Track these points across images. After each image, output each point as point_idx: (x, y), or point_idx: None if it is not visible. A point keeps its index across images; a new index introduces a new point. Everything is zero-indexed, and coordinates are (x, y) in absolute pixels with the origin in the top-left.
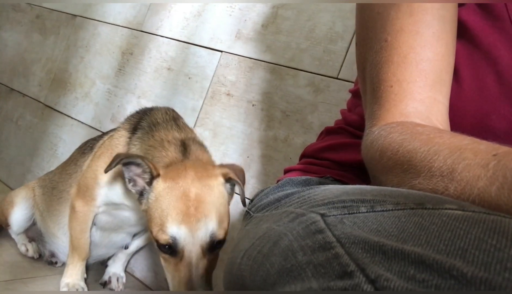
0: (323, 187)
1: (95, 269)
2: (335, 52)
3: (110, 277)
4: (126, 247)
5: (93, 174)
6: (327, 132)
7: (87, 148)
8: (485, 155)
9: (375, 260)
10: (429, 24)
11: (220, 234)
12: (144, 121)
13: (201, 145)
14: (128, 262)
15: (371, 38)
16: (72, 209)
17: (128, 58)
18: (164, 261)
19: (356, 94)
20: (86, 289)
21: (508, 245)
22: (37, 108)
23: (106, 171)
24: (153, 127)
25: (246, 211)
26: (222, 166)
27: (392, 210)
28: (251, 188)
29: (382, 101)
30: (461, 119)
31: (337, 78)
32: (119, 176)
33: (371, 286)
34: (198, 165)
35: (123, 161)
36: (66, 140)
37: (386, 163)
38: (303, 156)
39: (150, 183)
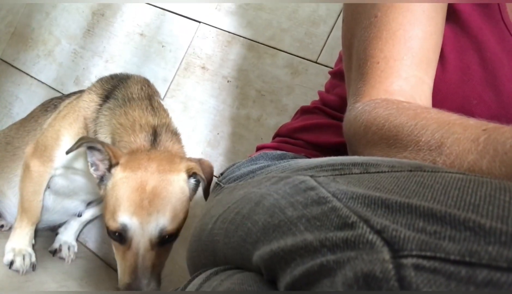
0: (303, 159)
1: (45, 236)
2: (316, 36)
3: (60, 245)
4: (80, 215)
5: (54, 134)
6: (303, 111)
7: (50, 106)
8: (474, 130)
9: (378, 213)
10: (420, 1)
11: (171, 230)
12: (118, 91)
13: (174, 134)
14: (81, 231)
15: (361, 13)
16: (26, 168)
17: (99, 19)
18: (115, 248)
19: (336, 75)
20: (33, 256)
21: None
22: None
23: (67, 152)
24: (127, 102)
25: (216, 183)
26: (190, 159)
27: (388, 171)
28: (219, 166)
29: (368, 78)
30: (443, 101)
31: (316, 62)
32: None
33: (376, 236)
34: (164, 157)
35: (85, 145)
36: (23, 100)
37: (371, 138)
38: (277, 135)
39: (109, 170)
